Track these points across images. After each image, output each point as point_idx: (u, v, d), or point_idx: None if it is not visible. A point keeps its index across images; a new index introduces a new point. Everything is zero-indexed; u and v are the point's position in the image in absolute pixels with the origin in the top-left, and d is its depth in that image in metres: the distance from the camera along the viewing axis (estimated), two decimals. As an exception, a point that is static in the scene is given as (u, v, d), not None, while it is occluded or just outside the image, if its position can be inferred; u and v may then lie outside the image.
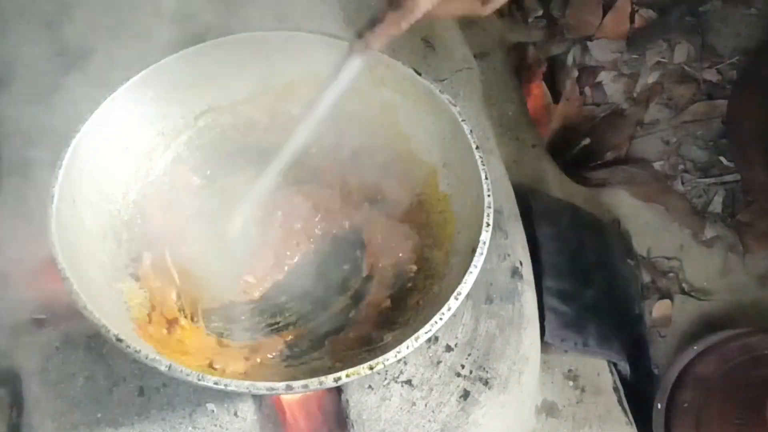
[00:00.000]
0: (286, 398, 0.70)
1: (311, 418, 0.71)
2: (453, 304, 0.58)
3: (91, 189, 0.67)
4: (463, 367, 0.72)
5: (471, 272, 0.60)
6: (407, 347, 0.56)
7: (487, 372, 0.73)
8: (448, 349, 0.73)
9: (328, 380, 0.54)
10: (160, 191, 0.74)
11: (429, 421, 0.69)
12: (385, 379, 0.71)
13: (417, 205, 0.74)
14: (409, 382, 0.71)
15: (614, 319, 0.97)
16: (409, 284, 0.71)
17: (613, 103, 1.30)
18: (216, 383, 0.53)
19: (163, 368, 0.54)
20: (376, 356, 0.55)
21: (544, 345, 0.85)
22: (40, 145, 0.77)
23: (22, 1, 0.90)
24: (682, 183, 1.19)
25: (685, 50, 1.31)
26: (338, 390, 0.70)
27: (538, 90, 1.29)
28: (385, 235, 0.74)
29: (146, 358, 0.54)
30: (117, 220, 0.70)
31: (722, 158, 1.21)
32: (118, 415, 0.67)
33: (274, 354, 0.67)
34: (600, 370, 0.91)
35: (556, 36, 1.35)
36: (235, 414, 0.68)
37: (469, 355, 0.73)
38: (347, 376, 0.54)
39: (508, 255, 0.81)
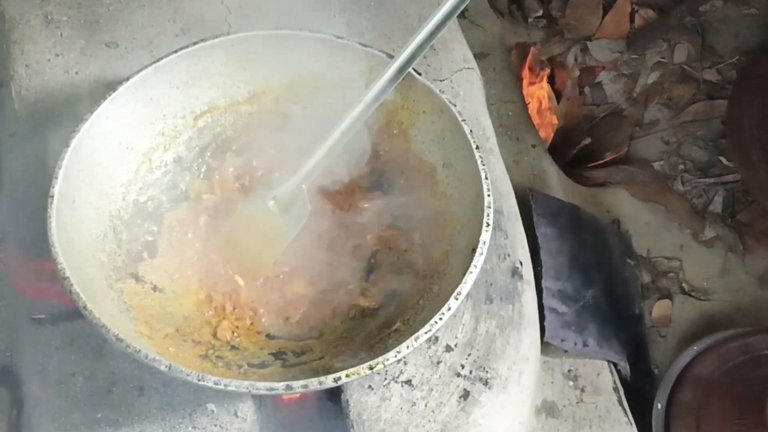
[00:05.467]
0: (286, 398, 0.70)
1: (311, 418, 0.71)
2: (453, 304, 0.58)
3: (91, 189, 0.67)
4: (463, 367, 0.72)
5: (471, 272, 0.60)
6: (407, 347, 0.56)
7: (487, 372, 0.73)
8: (448, 349, 0.73)
9: (328, 380, 0.54)
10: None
11: (429, 421, 0.69)
12: (385, 379, 0.71)
13: (417, 206, 0.74)
14: (409, 382, 0.71)
15: (614, 319, 0.97)
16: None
17: (613, 103, 1.30)
18: (216, 383, 0.53)
19: (163, 368, 0.54)
20: (376, 356, 0.55)
21: (544, 345, 0.85)
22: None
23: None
24: (682, 183, 1.19)
25: (685, 50, 1.31)
26: (338, 390, 0.70)
27: (542, 92, 1.29)
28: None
29: (146, 358, 0.54)
30: (117, 220, 0.70)
31: (722, 158, 1.21)
32: (118, 415, 0.67)
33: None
34: (600, 370, 0.91)
35: (556, 36, 1.35)
36: (235, 414, 0.68)
37: (469, 355, 0.73)
38: (347, 376, 0.54)
39: (508, 255, 0.81)
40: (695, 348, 0.98)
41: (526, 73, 1.28)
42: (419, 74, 0.71)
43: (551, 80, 1.33)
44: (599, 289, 0.98)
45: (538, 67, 1.30)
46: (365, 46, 0.73)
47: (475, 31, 1.18)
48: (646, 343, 1.04)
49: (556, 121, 1.28)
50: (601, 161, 1.24)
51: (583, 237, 1.03)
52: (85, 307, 0.56)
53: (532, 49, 1.30)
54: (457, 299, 0.59)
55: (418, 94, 0.72)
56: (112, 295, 0.64)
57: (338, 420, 0.70)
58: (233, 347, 0.67)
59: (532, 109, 1.24)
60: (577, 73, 1.32)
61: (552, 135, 1.27)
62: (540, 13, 1.37)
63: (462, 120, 0.69)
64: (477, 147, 0.67)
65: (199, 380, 0.53)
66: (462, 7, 0.63)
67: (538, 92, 1.29)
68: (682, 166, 1.21)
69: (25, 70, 0.84)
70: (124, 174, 0.72)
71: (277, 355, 0.66)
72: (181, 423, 0.67)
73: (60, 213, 0.61)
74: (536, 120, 1.22)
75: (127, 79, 0.70)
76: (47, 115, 0.80)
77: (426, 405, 0.70)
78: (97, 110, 0.67)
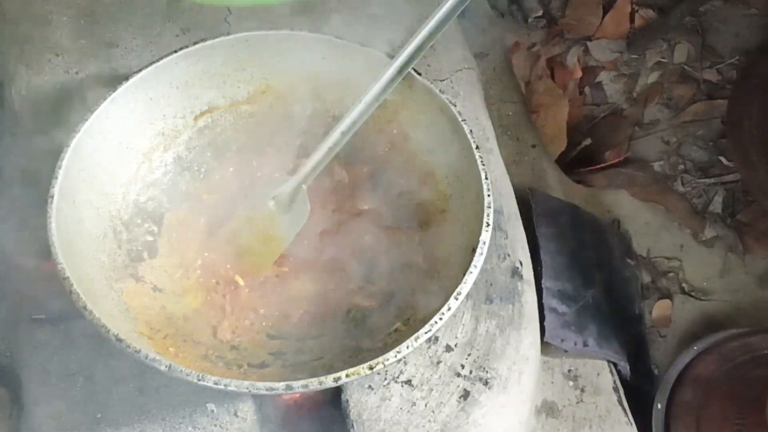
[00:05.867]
0: (286, 398, 0.70)
1: (311, 417, 0.71)
2: (453, 304, 0.58)
3: (91, 189, 0.67)
4: (463, 367, 0.72)
5: (471, 272, 0.60)
6: (407, 347, 0.56)
7: (487, 372, 0.73)
8: (448, 349, 0.73)
9: (328, 380, 0.54)
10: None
11: (429, 421, 0.69)
12: (385, 379, 0.71)
13: (417, 206, 0.74)
14: (409, 382, 0.71)
15: (614, 319, 0.97)
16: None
17: (613, 103, 1.30)
18: (216, 383, 0.53)
19: (163, 368, 0.54)
20: (376, 356, 0.55)
21: (544, 345, 0.85)
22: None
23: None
24: (682, 183, 1.19)
25: (685, 50, 1.30)
26: (338, 390, 0.70)
27: (546, 96, 1.28)
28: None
29: (146, 358, 0.54)
30: (117, 220, 0.70)
31: (722, 158, 1.21)
32: (118, 415, 0.67)
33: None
34: (600, 370, 0.91)
35: (556, 36, 1.35)
36: (235, 414, 0.68)
37: (469, 355, 0.73)
38: (347, 376, 0.54)
39: (508, 255, 0.81)
40: (695, 348, 0.98)
41: (529, 74, 1.28)
42: (419, 74, 0.72)
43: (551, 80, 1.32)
44: (599, 289, 0.98)
45: (544, 71, 1.30)
46: (365, 46, 0.73)
47: (475, 31, 1.18)
48: (646, 343, 1.04)
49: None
50: (601, 165, 1.24)
51: (583, 237, 1.03)
52: (85, 307, 0.56)
53: (536, 51, 1.30)
54: (457, 299, 0.59)
55: (418, 94, 0.72)
56: (112, 295, 0.64)
57: (338, 420, 0.70)
58: (233, 347, 0.67)
59: (538, 112, 1.24)
60: (579, 74, 1.32)
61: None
62: (540, 13, 1.37)
63: (462, 120, 0.69)
64: (477, 147, 0.67)
65: (199, 380, 0.53)
66: (462, 8, 0.64)
67: (544, 97, 1.29)
68: (682, 166, 1.21)
69: (25, 70, 0.84)
70: (124, 174, 0.72)
71: (277, 355, 0.66)
72: (181, 423, 0.67)
73: (60, 213, 0.61)
74: (540, 126, 1.22)
75: (127, 79, 0.70)
76: (47, 115, 0.80)
77: (426, 405, 0.70)
78: (97, 110, 0.67)
